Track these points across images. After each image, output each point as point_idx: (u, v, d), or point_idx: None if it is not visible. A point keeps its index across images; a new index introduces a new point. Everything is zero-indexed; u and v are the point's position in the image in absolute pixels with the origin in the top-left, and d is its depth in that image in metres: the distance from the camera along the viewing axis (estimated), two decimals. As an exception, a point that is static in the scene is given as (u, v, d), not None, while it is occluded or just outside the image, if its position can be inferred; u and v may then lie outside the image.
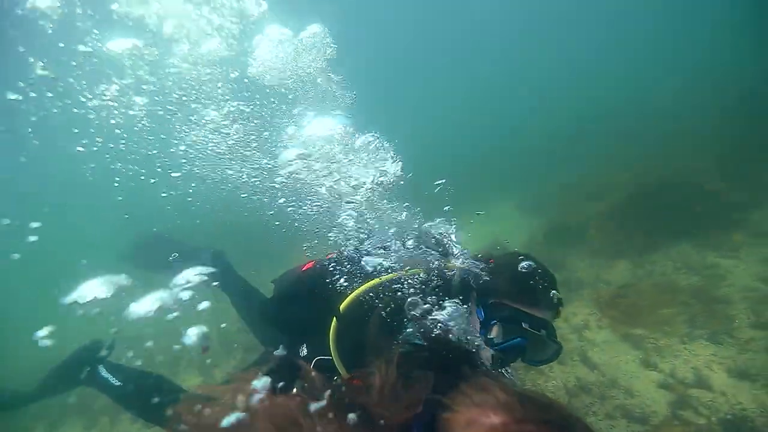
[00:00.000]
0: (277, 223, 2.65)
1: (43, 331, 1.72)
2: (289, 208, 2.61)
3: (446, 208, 2.33)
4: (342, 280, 2.02)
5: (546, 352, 1.78)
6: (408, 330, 1.72)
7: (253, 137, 2.85)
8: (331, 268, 2.11)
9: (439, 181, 2.36)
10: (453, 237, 2.20)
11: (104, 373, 2.60)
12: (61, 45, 2.98)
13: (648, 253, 5.31)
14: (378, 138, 2.60)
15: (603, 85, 11.10)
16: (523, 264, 1.80)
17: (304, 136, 2.72)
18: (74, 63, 2.95)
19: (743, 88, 8.40)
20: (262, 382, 1.31)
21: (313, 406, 1.20)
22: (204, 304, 1.83)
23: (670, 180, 6.07)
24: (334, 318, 1.91)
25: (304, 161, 2.49)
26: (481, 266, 1.87)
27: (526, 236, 6.84)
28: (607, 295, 4.60)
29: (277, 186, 2.63)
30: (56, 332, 1.83)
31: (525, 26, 22.36)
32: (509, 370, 1.80)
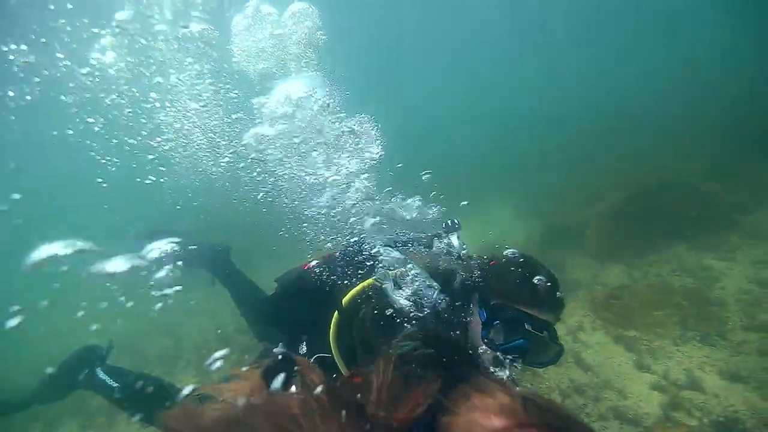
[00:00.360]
0: (262, 203, 2.64)
1: (14, 307, 1.69)
2: (260, 194, 2.60)
3: (433, 193, 2.34)
4: (344, 277, 2.05)
5: (547, 353, 1.78)
6: (406, 328, 1.74)
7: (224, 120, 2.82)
8: (334, 265, 2.14)
9: (426, 173, 2.39)
10: (455, 237, 2.21)
11: (102, 375, 2.63)
12: (41, 40, 2.96)
13: (644, 255, 5.32)
14: (368, 121, 2.58)
15: (601, 86, 11.09)
16: (525, 264, 1.80)
17: (271, 103, 2.64)
18: (60, 55, 2.93)
19: (743, 88, 8.40)
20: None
21: (313, 404, 1.20)
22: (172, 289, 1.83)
23: (667, 181, 6.09)
24: (336, 313, 1.95)
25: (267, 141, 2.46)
26: (482, 267, 1.88)
27: (524, 237, 6.85)
28: (601, 297, 4.62)
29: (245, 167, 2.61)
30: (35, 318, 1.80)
31: (525, 26, 22.33)
32: (511, 372, 1.81)
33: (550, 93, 11.40)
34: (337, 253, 2.25)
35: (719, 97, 8.48)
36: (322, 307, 2.03)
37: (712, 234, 5.28)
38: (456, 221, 2.24)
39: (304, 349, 2.00)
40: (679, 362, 3.91)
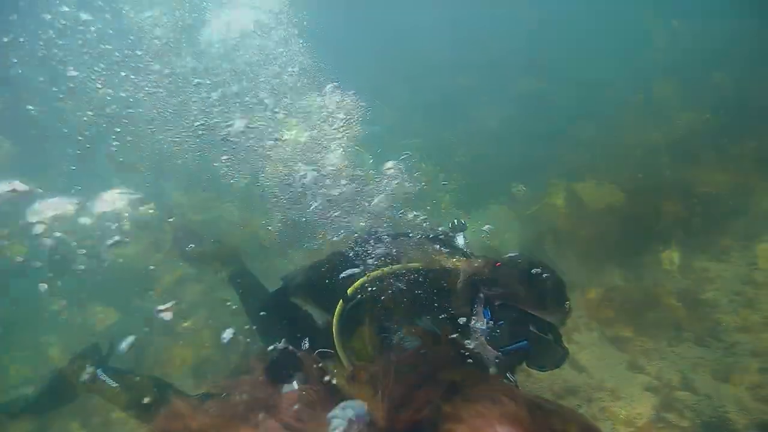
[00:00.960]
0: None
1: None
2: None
3: (417, 173, 2.37)
4: (348, 271, 2.07)
5: (552, 356, 1.78)
6: (403, 331, 1.75)
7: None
8: (338, 261, 2.17)
9: (410, 140, 2.43)
10: (461, 237, 2.24)
11: (102, 376, 2.66)
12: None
13: (638, 256, 5.33)
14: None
15: (597, 84, 11.05)
16: (532, 267, 1.81)
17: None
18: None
19: (741, 88, 8.37)
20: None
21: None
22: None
23: (662, 182, 6.10)
24: (340, 303, 1.97)
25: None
26: (488, 267, 1.89)
27: (519, 237, 6.85)
28: (595, 298, 4.64)
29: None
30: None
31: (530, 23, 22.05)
32: (513, 374, 1.81)
33: (546, 90, 11.30)
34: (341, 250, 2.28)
35: (717, 98, 8.47)
36: (325, 302, 2.05)
37: (706, 235, 5.29)
38: (463, 221, 2.27)
39: (306, 344, 2.02)
40: (673, 363, 3.93)
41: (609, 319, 4.49)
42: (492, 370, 1.73)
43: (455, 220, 2.29)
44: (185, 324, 5.73)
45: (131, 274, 5.28)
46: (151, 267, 5.30)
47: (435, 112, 11.17)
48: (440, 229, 2.36)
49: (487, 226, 1.94)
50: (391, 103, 10.66)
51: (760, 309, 4.16)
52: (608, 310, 4.43)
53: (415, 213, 2.38)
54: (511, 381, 1.78)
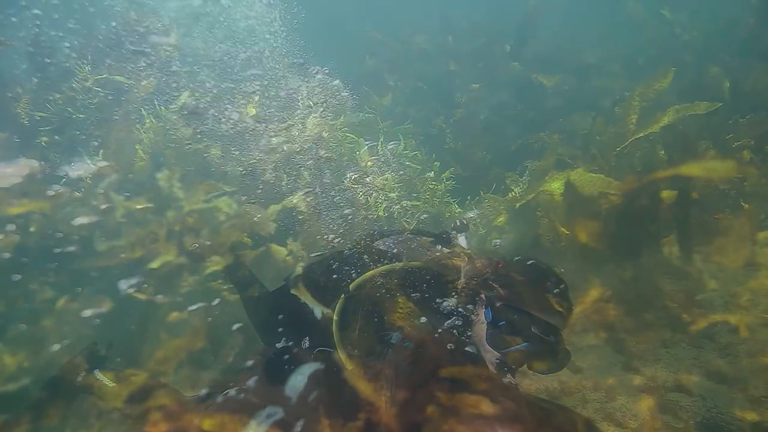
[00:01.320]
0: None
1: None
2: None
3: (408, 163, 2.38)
4: (349, 270, 2.08)
5: (553, 358, 1.79)
6: (403, 330, 1.75)
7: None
8: (339, 260, 2.16)
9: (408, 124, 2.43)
10: (463, 238, 2.25)
11: (100, 377, 2.67)
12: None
13: (635, 257, 5.32)
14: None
15: (594, 80, 10.99)
16: (533, 267, 1.82)
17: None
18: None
19: (740, 84, 8.31)
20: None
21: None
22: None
23: (659, 182, 6.07)
24: (341, 298, 1.98)
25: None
26: (490, 268, 1.89)
27: (516, 238, 6.83)
28: (591, 299, 4.64)
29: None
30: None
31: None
32: (513, 375, 1.81)
33: (540, 88, 11.23)
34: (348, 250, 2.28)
35: (714, 97, 8.40)
36: (325, 296, 2.05)
37: (704, 234, 5.28)
38: (464, 222, 2.28)
39: (306, 343, 2.02)
40: (668, 364, 3.94)
41: (604, 319, 4.49)
42: (494, 370, 1.73)
43: (457, 221, 2.30)
44: (179, 316, 5.72)
45: (124, 264, 5.26)
46: (144, 257, 5.28)
47: (424, 98, 11.13)
48: (423, 216, 2.38)
49: (473, 213, 1.94)
50: (377, 89, 10.58)
51: (757, 309, 4.17)
52: (603, 310, 4.43)
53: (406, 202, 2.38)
54: (511, 382, 1.78)
